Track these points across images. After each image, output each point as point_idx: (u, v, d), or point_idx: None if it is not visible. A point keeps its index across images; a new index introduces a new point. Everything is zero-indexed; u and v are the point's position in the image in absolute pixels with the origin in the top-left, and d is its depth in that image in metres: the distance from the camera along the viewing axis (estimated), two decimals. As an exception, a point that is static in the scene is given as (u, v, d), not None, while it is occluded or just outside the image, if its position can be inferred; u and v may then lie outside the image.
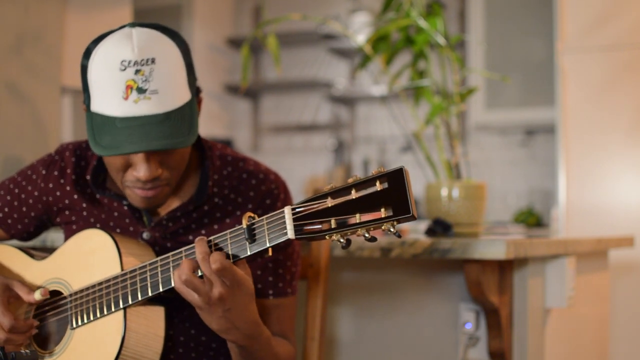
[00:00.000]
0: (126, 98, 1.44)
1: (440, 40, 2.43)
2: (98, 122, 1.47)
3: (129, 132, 1.44)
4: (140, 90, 1.44)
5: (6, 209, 1.75)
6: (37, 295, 1.60)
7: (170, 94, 1.47)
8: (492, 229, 3.55)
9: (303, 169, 5.84)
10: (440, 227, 2.19)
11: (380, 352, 2.22)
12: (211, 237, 1.44)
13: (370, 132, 5.72)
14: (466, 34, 5.01)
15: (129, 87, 1.45)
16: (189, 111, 1.49)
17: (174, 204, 1.67)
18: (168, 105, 1.46)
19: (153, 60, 1.46)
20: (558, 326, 2.20)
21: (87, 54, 1.51)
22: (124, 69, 1.45)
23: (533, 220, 4.72)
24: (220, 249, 1.42)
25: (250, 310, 1.46)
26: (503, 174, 5.23)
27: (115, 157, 1.53)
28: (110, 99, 1.46)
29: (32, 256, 1.71)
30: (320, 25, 5.41)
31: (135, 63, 1.45)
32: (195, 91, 1.56)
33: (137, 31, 1.49)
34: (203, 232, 1.64)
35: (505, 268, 2.00)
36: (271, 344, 1.57)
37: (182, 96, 1.49)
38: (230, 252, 1.41)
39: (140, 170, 1.52)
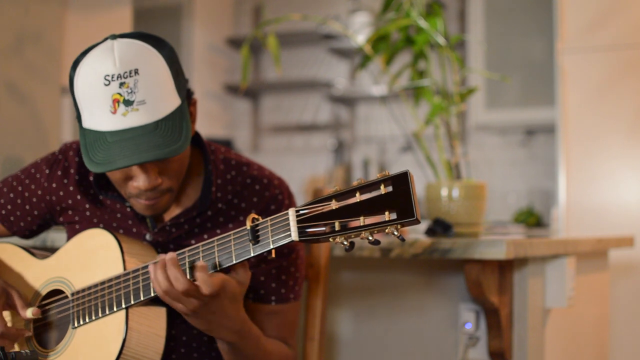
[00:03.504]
0: (114, 112, 1.44)
1: (440, 40, 2.44)
2: (91, 139, 1.47)
3: (121, 145, 1.43)
4: (128, 103, 1.44)
5: (9, 207, 1.75)
6: (29, 313, 1.61)
7: (159, 102, 1.46)
8: (492, 229, 3.55)
9: (303, 169, 5.85)
10: (440, 227, 2.19)
11: (380, 352, 2.22)
12: (214, 239, 1.44)
13: (370, 132, 5.72)
14: (466, 34, 5.01)
15: (115, 101, 1.44)
16: (179, 117, 1.48)
17: (177, 209, 1.66)
18: (157, 114, 1.45)
19: (136, 71, 1.45)
20: (558, 326, 2.20)
21: (73, 67, 1.51)
22: (108, 84, 1.44)
23: (533, 220, 4.72)
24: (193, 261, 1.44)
25: (235, 308, 1.48)
26: (503, 174, 5.23)
27: (114, 171, 1.53)
28: (99, 114, 1.46)
29: (34, 255, 1.71)
30: (320, 25, 5.41)
31: (119, 76, 1.44)
32: (186, 94, 1.55)
33: (119, 43, 1.48)
34: (205, 236, 1.64)
35: (505, 268, 2.00)
36: (261, 341, 1.59)
37: (171, 102, 1.48)
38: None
39: (140, 181, 1.52)
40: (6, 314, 1.67)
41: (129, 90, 1.44)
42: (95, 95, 1.45)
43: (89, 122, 1.48)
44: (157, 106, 1.45)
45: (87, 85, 1.47)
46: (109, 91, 1.44)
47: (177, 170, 1.56)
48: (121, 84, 1.44)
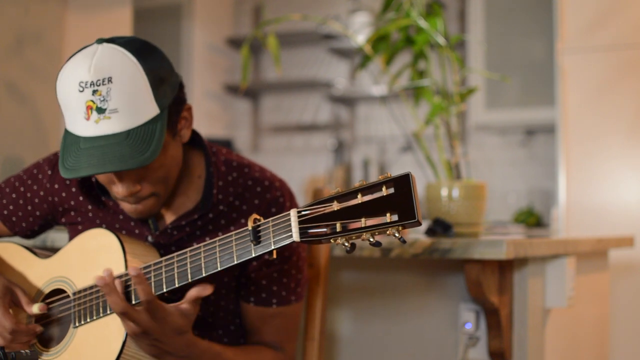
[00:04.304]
0: (88, 118, 1.45)
1: (440, 40, 2.44)
2: (68, 142, 1.48)
3: (90, 153, 1.44)
4: (100, 110, 1.44)
5: (11, 207, 1.76)
6: (35, 309, 1.61)
7: (131, 111, 1.46)
8: (492, 229, 3.55)
9: (303, 169, 5.85)
10: (440, 227, 2.19)
11: (380, 352, 2.22)
12: (216, 239, 1.44)
13: (370, 132, 5.72)
14: (466, 34, 5.01)
15: (89, 108, 1.45)
16: (154, 127, 1.48)
17: (178, 211, 1.66)
18: (129, 123, 1.45)
19: (110, 80, 1.45)
20: (558, 326, 2.20)
21: (61, 69, 1.52)
22: (82, 90, 1.45)
23: (533, 220, 4.72)
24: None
25: (181, 338, 1.48)
26: (503, 174, 5.23)
27: (100, 175, 1.54)
28: (75, 119, 1.47)
29: (36, 254, 1.71)
30: (320, 25, 5.41)
31: (92, 84, 1.45)
32: (174, 101, 1.54)
33: (102, 48, 1.48)
34: (207, 239, 1.64)
35: (505, 268, 2.00)
36: (223, 357, 1.58)
37: (147, 112, 1.47)
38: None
39: (118, 187, 1.53)
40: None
41: (102, 98, 1.44)
42: (71, 101, 1.47)
43: (69, 125, 1.50)
44: (129, 115, 1.45)
45: (64, 90, 1.48)
46: (83, 97, 1.45)
47: (161, 176, 1.56)
48: (94, 92, 1.45)
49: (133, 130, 1.45)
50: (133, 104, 1.46)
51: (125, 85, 1.45)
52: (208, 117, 5.83)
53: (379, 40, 2.55)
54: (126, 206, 1.58)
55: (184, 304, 1.46)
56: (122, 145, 1.44)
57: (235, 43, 5.94)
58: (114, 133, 1.45)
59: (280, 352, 1.69)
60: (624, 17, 3.75)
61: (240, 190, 1.66)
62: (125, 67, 1.46)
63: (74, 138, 1.47)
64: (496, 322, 1.99)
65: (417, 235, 2.24)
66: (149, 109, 1.48)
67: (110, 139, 1.44)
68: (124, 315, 1.43)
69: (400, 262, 2.20)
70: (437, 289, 2.17)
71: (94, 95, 1.44)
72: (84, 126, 1.45)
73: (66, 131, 1.50)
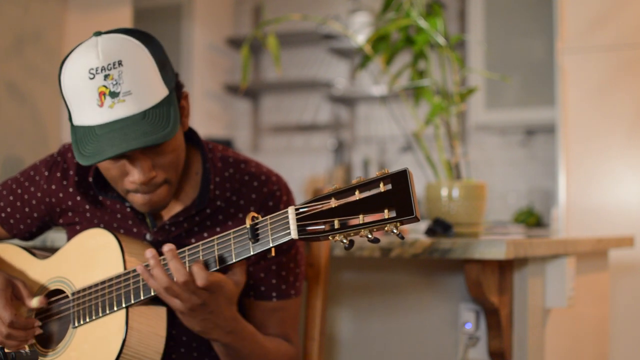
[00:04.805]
0: (101, 105, 1.44)
1: (440, 40, 2.44)
2: (81, 135, 1.47)
3: (109, 136, 1.44)
4: (113, 95, 1.44)
5: (9, 209, 1.75)
6: (35, 302, 1.61)
7: (145, 92, 1.46)
8: (492, 229, 3.55)
9: (303, 169, 5.85)
10: (440, 227, 2.19)
11: (380, 352, 2.22)
12: (214, 237, 1.44)
13: (370, 132, 5.72)
14: (466, 34, 5.01)
15: (101, 94, 1.44)
16: (167, 106, 1.48)
17: (176, 207, 1.66)
18: (144, 104, 1.46)
19: (120, 63, 1.45)
20: (558, 326, 2.20)
21: (60, 67, 1.52)
22: (93, 77, 1.45)
23: (533, 220, 4.72)
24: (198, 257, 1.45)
25: (230, 310, 1.49)
26: (503, 174, 5.23)
27: (110, 168, 1.53)
28: (87, 109, 1.46)
29: (35, 255, 1.71)
30: (320, 25, 5.41)
31: (103, 69, 1.45)
32: (175, 86, 1.55)
33: (102, 38, 1.49)
34: (205, 235, 1.64)
35: (505, 268, 2.00)
36: (257, 339, 1.60)
37: (158, 93, 1.48)
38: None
39: (134, 174, 1.52)
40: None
41: (114, 82, 1.44)
42: (81, 90, 1.46)
43: (78, 119, 1.49)
44: (143, 96, 1.46)
45: (73, 81, 1.47)
46: (94, 84, 1.45)
47: (172, 162, 1.56)
48: (106, 76, 1.44)
49: (149, 110, 1.46)
50: (145, 84, 1.46)
51: (136, 67, 1.46)
52: (208, 117, 5.83)
53: (379, 40, 2.55)
54: (138, 198, 1.56)
55: (235, 275, 1.48)
56: (141, 124, 1.44)
57: (235, 43, 5.94)
58: (130, 115, 1.44)
59: (290, 344, 1.70)
60: (624, 17, 3.75)
61: (237, 185, 1.66)
62: (132, 49, 1.47)
63: (86, 129, 1.46)
64: (496, 322, 1.99)
65: (417, 235, 2.24)
66: (160, 90, 1.48)
67: (127, 120, 1.44)
68: (183, 291, 1.41)
69: (400, 262, 2.20)
70: (437, 288, 2.17)
71: (106, 80, 1.44)
72: (97, 113, 1.45)
73: (74, 127, 1.49)
